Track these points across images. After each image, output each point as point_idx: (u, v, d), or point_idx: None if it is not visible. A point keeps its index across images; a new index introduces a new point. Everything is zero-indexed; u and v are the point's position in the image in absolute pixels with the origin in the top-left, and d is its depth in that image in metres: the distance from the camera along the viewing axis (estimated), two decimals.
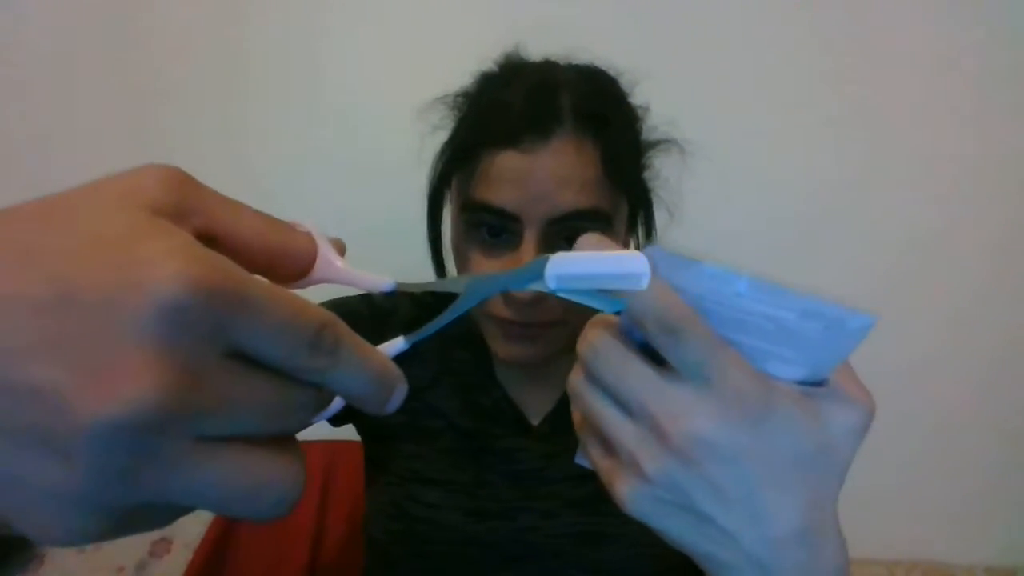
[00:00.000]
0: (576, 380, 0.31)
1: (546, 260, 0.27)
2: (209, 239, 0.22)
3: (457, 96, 0.66)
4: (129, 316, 0.17)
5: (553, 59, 0.66)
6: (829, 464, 0.29)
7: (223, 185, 0.23)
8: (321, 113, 1.13)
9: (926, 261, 1.15)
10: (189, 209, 0.21)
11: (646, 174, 0.66)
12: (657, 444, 0.28)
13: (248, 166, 1.10)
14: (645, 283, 0.26)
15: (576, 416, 0.34)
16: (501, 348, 0.63)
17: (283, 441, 0.21)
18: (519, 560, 0.63)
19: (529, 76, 0.62)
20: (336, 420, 0.71)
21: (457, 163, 0.62)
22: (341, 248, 0.28)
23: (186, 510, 0.20)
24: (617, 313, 0.29)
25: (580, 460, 0.34)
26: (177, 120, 1.13)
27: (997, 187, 1.13)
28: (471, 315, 0.65)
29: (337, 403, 0.23)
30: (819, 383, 0.30)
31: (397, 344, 0.28)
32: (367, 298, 0.73)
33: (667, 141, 0.68)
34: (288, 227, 0.25)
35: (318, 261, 0.27)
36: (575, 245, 0.28)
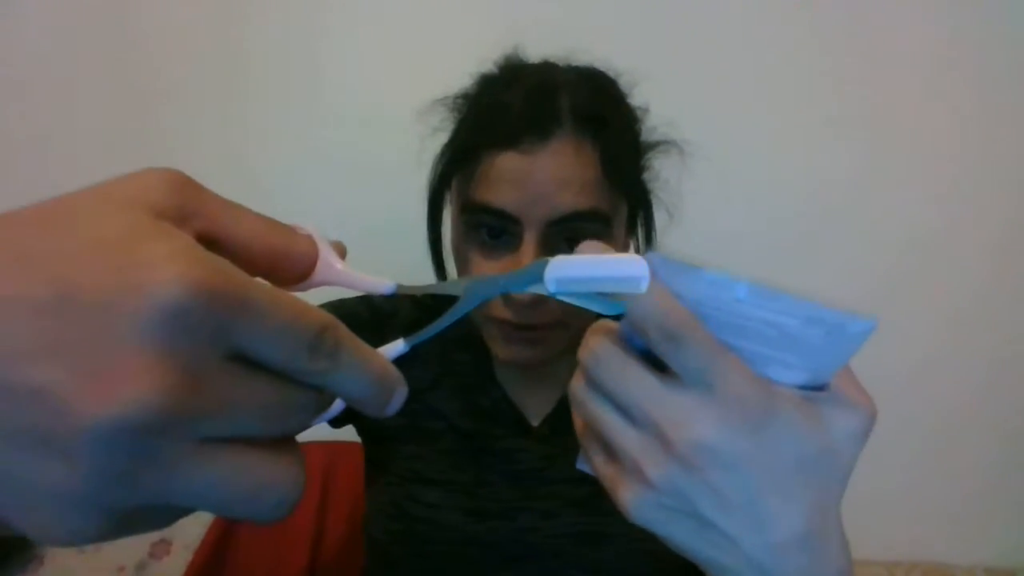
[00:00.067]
0: (578, 387, 0.31)
1: (545, 263, 0.27)
2: (210, 242, 0.22)
3: (457, 98, 0.67)
4: (130, 318, 0.17)
5: (552, 60, 0.66)
6: (831, 469, 0.29)
7: (222, 187, 0.23)
8: (321, 114, 1.13)
9: (926, 261, 1.15)
10: (190, 212, 0.21)
11: (645, 175, 0.66)
12: (660, 451, 0.28)
13: (248, 167, 1.11)
14: (644, 286, 0.26)
15: (578, 422, 0.34)
16: (501, 350, 0.63)
17: (283, 443, 0.21)
18: (519, 560, 0.64)
19: (528, 77, 0.62)
20: (336, 422, 0.71)
21: (457, 164, 0.62)
22: (342, 251, 0.28)
23: (186, 511, 0.20)
24: (616, 316, 0.29)
25: (581, 466, 0.34)
26: (177, 121, 1.13)
27: (997, 187, 1.13)
28: (471, 317, 0.65)
29: (337, 405, 0.23)
30: (820, 387, 0.30)
31: (397, 346, 0.28)
32: (367, 300, 0.73)
33: (666, 142, 0.68)
34: (289, 230, 0.25)
35: (319, 264, 0.27)
36: (576, 250, 0.28)
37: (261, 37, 1.12)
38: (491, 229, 0.59)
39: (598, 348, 0.30)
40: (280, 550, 0.90)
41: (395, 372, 0.23)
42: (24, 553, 0.95)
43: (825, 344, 0.28)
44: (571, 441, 0.34)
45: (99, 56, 1.12)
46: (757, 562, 0.28)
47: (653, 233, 0.68)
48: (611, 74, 0.66)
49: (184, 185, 0.21)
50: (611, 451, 0.31)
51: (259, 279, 0.20)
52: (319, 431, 0.41)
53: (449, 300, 0.31)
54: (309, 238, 0.26)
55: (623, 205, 0.62)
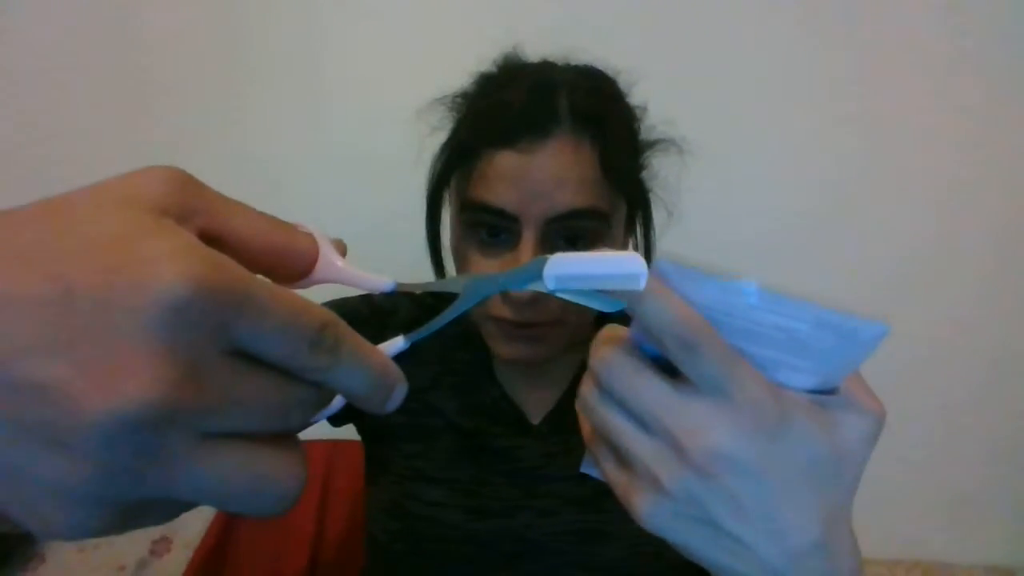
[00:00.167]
0: (588, 394, 0.31)
1: (545, 261, 0.27)
2: (212, 239, 0.22)
3: (456, 97, 0.67)
4: (133, 315, 0.17)
5: (551, 60, 0.66)
6: (843, 473, 0.29)
7: (223, 185, 0.23)
8: (321, 113, 1.14)
9: (926, 261, 1.15)
10: (192, 209, 0.21)
11: (644, 174, 0.67)
12: (675, 459, 0.28)
13: (247, 166, 1.11)
14: (642, 283, 0.26)
15: (585, 428, 0.34)
16: (500, 348, 0.63)
17: (285, 439, 0.21)
18: (519, 558, 0.64)
19: (527, 76, 0.62)
20: (336, 420, 0.71)
21: (456, 163, 0.62)
22: (342, 249, 0.28)
23: (188, 506, 0.20)
24: (616, 314, 0.29)
25: (587, 469, 0.34)
26: (177, 120, 1.13)
27: (999, 187, 1.13)
28: (470, 315, 0.65)
29: (338, 402, 0.23)
30: (830, 391, 0.30)
31: (397, 343, 0.29)
32: (367, 298, 0.73)
33: (665, 141, 0.68)
34: (290, 227, 0.26)
35: (319, 261, 0.27)
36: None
37: (261, 36, 1.12)
38: (490, 228, 0.59)
39: (610, 356, 0.30)
40: (280, 549, 0.91)
41: (395, 368, 0.23)
42: (25, 551, 0.95)
43: (836, 348, 0.28)
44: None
45: (99, 56, 1.12)
46: (773, 568, 0.29)
47: (652, 232, 0.68)
48: (610, 73, 0.66)
49: (186, 183, 0.21)
50: (623, 458, 0.31)
51: (260, 276, 0.21)
52: (319, 430, 0.41)
53: (448, 298, 0.31)
54: (310, 236, 0.27)
55: (622, 204, 0.62)
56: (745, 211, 1.13)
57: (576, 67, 0.65)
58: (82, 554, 0.98)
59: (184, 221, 0.20)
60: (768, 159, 1.13)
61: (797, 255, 1.14)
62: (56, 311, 0.17)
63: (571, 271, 0.27)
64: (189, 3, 1.11)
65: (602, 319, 0.72)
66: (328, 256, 0.27)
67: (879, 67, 1.10)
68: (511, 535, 0.64)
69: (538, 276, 0.28)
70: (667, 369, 0.29)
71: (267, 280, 0.21)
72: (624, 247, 0.66)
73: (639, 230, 0.68)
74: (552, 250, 0.58)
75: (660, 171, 0.68)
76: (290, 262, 0.26)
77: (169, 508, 0.20)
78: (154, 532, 1.01)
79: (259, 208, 0.24)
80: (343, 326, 0.21)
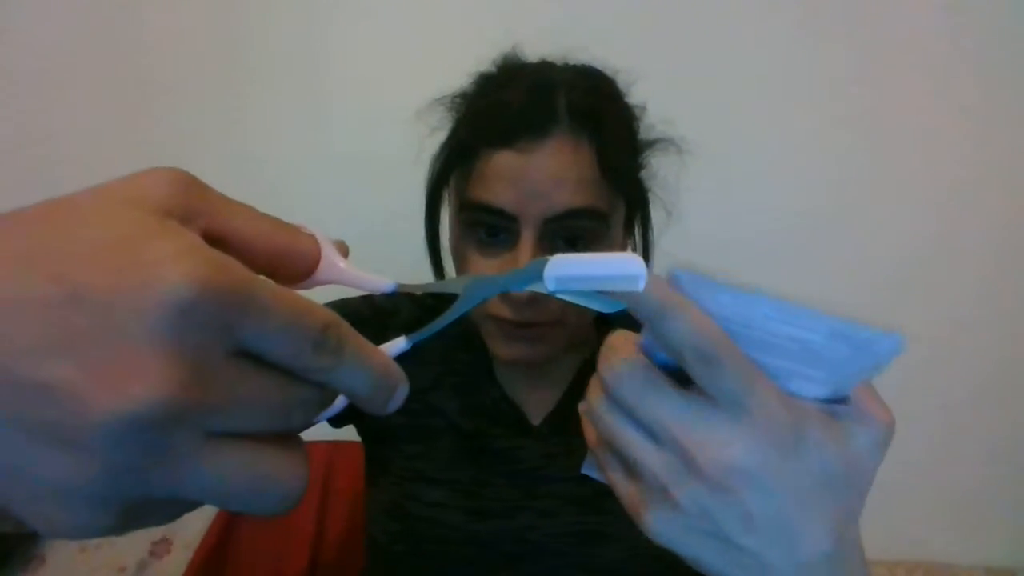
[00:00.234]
0: (597, 404, 0.31)
1: (545, 262, 0.28)
2: (215, 240, 0.22)
3: (455, 97, 0.67)
4: (138, 315, 0.17)
5: (550, 60, 0.66)
6: (854, 483, 0.29)
7: (225, 186, 0.23)
8: (321, 114, 1.14)
9: (926, 261, 1.15)
10: (196, 211, 0.21)
11: (643, 173, 0.67)
12: (687, 472, 0.28)
13: (247, 167, 1.11)
14: (642, 285, 0.26)
15: (590, 434, 0.33)
16: (501, 348, 0.63)
17: (288, 439, 0.21)
18: (520, 559, 0.64)
19: (526, 76, 0.62)
20: (337, 421, 0.71)
21: (455, 163, 0.62)
22: (344, 250, 0.29)
23: (192, 505, 0.20)
24: (616, 315, 0.29)
25: (588, 471, 0.34)
26: (179, 121, 1.13)
27: (999, 188, 1.12)
28: (470, 316, 0.65)
29: (340, 402, 0.24)
30: (841, 400, 0.30)
31: (399, 344, 0.29)
32: (369, 299, 0.73)
33: (664, 140, 0.68)
34: (293, 229, 0.26)
35: (322, 262, 0.27)
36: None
37: (261, 36, 1.12)
38: (489, 227, 0.59)
39: (620, 365, 0.29)
40: (280, 549, 0.91)
41: (397, 369, 0.23)
42: (26, 552, 0.95)
43: (849, 359, 0.28)
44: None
45: (99, 56, 1.12)
46: None
47: (651, 231, 0.68)
48: (608, 72, 0.66)
49: (189, 184, 0.21)
50: (631, 468, 0.30)
51: (263, 277, 0.21)
52: (319, 430, 0.41)
53: (449, 299, 0.31)
54: (312, 237, 0.27)
55: (621, 203, 0.62)
56: (744, 211, 1.13)
57: (575, 67, 0.65)
58: (82, 555, 0.98)
59: (188, 222, 0.20)
60: (768, 159, 1.13)
61: (797, 255, 1.14)
62: (62, 313, 0.17)
63: (571, 272, 0.27)
64: (189, 3, 1.11)
65: (602, 319, 0.72)
66: (330, 257, 0.27)
67: (879, 67, 1.10)
68: (511, 536, 0.64)
69: (538, 277, 0.28)
70: (676, 375, 0.29)
71: (270, 281, 0.21)
72: (623, 247, 0.66)
73: (638, 230, 0.68)
74: (551, 250, 0.58)
75: (659, 171, 0.69)
76: (293, 263, 0.26)
77: (172, 508, 0.21)
78: (154, 533, 1.01)
79: (259, 208, 0.25)
80: (346, 327, 0.21)
